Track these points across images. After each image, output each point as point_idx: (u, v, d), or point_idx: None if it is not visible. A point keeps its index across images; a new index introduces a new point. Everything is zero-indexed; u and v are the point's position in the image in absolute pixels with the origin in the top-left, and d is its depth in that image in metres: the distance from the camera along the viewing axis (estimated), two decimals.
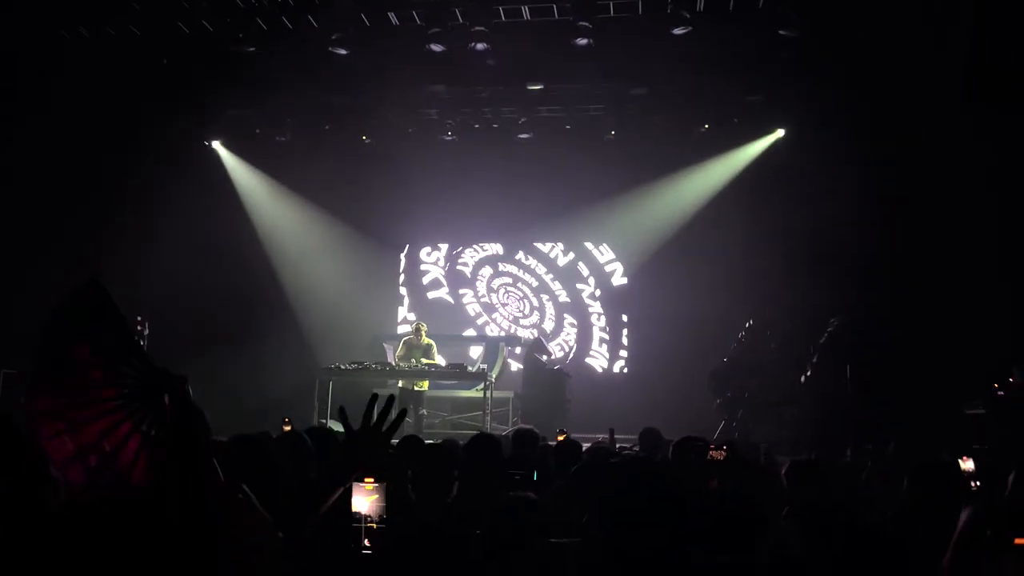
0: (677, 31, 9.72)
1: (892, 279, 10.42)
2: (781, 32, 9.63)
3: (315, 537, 1.72)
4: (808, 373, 9.83)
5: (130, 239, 11.12)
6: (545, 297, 14.14)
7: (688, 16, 9.63)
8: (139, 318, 11.42)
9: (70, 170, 10.99)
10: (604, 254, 14.10)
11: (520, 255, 14.30)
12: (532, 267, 14.24)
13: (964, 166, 9.58)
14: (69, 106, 10.57)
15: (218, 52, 10.50)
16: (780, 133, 12.29)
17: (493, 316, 14.19)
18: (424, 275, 14.48)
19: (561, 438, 5.59)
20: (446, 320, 13.95)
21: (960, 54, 7.86)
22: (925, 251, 10.20)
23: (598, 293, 14.03)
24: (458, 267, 14.44)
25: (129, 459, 1.55)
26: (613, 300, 13.97)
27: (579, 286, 14.08)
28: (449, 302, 14.35)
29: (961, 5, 7.61)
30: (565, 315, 14.06)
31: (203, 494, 1.41)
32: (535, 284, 14.22)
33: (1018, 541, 2.02)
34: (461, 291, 14.36)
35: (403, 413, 1.82)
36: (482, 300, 14.29)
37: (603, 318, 13.96)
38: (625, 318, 13.87)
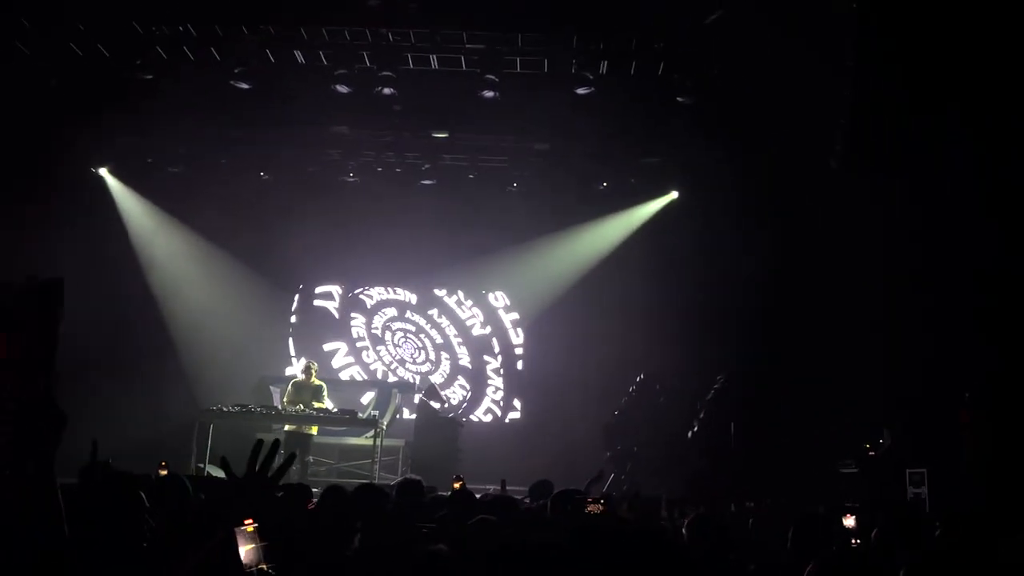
0: (580, 91, 10.06)
1: (775, 339, 10.87)
2: (678, 99, 10.09)
3: None
4: (695, 428, 10.09)
5: (9, 262, 10.44)
6: (445, 355, 14.00)
7: (591, 77, 9.99)
8: None
9: None
10: (501, 302, 14.16)
11: (433, 311, 14.14)
12: (431, 315, 14.13)
13: (847, 227, 10.15)
14: None
15: (113, 77, 10.14)
16: (674, 195, 12.75)
17: (378, 350, 13.89)
18: (316, 316, 14.13)
19: (457, 486, 5.49)
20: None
21: (841, 124, 8.47)
22: (806, 312, 10.70)
23: (495, 343, 14.04)
24: (360, 298, 14.13)
25: None
26: (509, 349, 14.01)
27: (476, 336, 14.04)
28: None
29: (842, 81, 8.20)
30: (459, 375, 13.95)
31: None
32: (439, 340, 14.04)
33: None
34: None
35: (291, 458, 1.75)
36: (372, 332, 13.98)
37: (498, 367, 13.96)
38: (520, 366, 13.91)
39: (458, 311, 14.20)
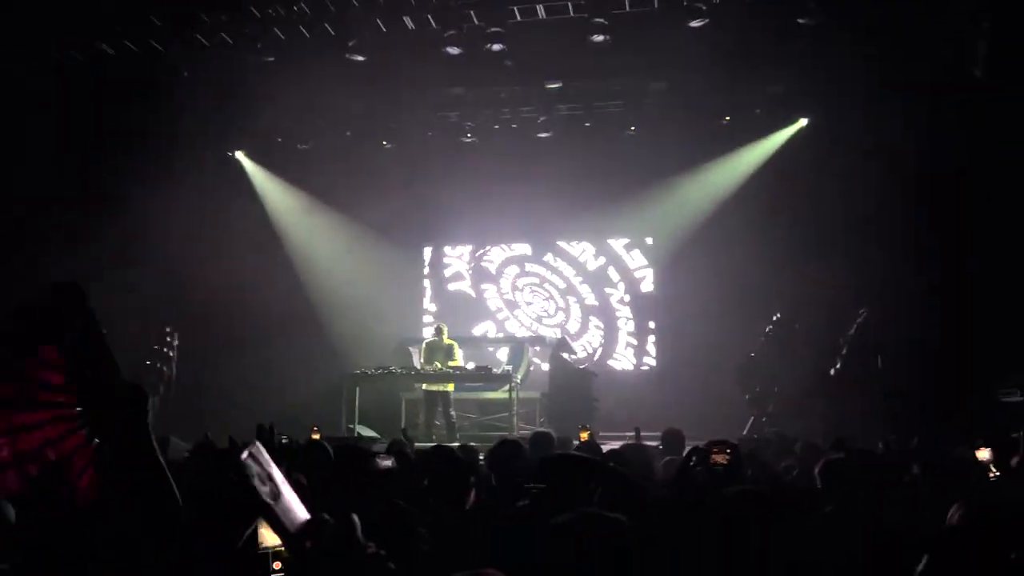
0: (694, 24, 9.65)
1: (919, 265, 10.22)
2: (800, 20, 9.51)
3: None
4: (838, 365, 9.68)
5: (158, 250, 11.28)
6: (572, 299, 14.11)
7: (704, 8, 9.55)
8: (168, 328, 11.57)
9: (97, 182, 11.17)
10: (628, 250, 14.02)
11: (548, 256, 14.28)
12: (559, 268, 14.21)
13: (995, 143, 9.35)
14: (93, 119, 10.78)
15: (238, 63, 10.62)
16: (803, 122, 12.12)
17: (516, 314, 14.19)
18: (447, 275, 14.52)
19: (584, 436, 5.53)
20: (469, 319, 14.03)
21: (983, 28, 7.73)
22: (954, 235, 10.00)
23: (624, 290, 13.96)
24: (482, 266, 14.46)
25: (76, 473, 1.49)
26: (638, 297, 13.90)
27: (606, 288, 14.01)
28: (472, 298, 14.37)
29: None
30: (591, 316, 14.01)
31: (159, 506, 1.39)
32: (562, 285, 14.18)
33: None
34: (484, 288, 14.37)
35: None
36: (505, 298, 14.29)
37: (629, 315, 13.89)
38: (652, 315, 13.78)
39: (585, 262, 14.17)
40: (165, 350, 11.52)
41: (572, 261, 14.21)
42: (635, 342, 13.79)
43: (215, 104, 11.31)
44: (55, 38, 10.27)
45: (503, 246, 14.41)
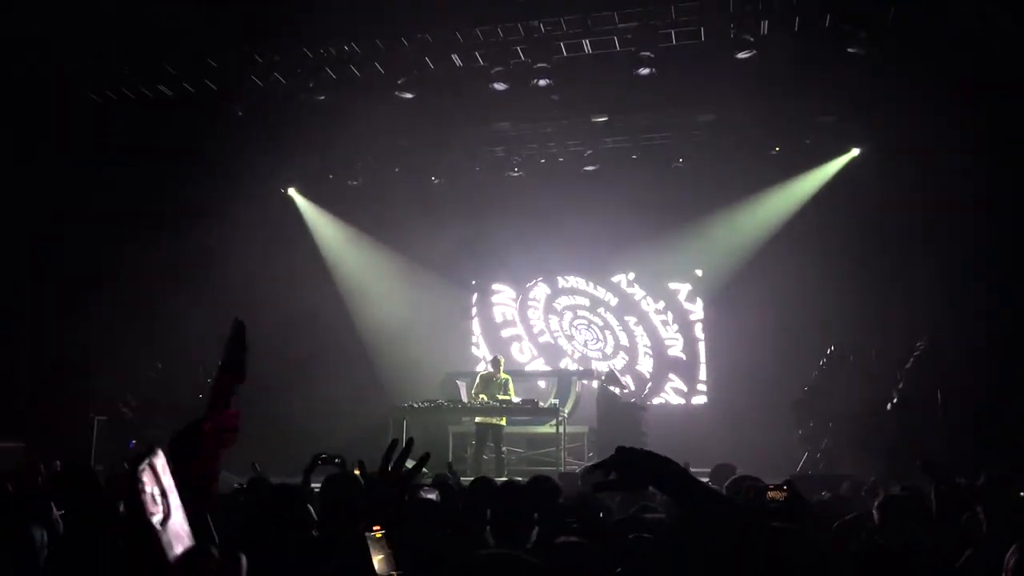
0: (741, 55, 9.62)
1: (977, 294, 9.91)
2: (850, 50, 9.41)
3: None
4: (895, 400, 9.38)
5: (212, 283, 11.52)
6: (620, 332, 14.01)
7: (752, 40, 9.53)
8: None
9: (151, 220, 11.50)
10: (677, 283, 13.90)
11: (595, 289, 14.23)
12: (607, 301, 14.15)
13: None
14: (150, 157, 11.16)
15: (291, 102, 10.89)
16: (855, 152, 11.94)
17: (563, 347, 14.13)
18: (495, 308, 14.55)
19: None
20: (516, 352, 14.02)
21: None
22: (1013, 263, 9.69)
23: (673, 323, 13.81)
24: (530, 299, 14.47)
25: None
26: (688, 330, 13.73)
27: (655, 322, 13.89)
28: (519, 331, 14.37)
29: None
30: (639, 349, 13.88)
31: None
32: (610, 319, 14.10)
33: None
34: (531, 322, 14.36)
35: (424, 458, 1.70)
36: (553, 331, 14.25)
37: (679, 349, 13.72)
38: (702, 348, 13.59)
39: (634, 295, 14.09)
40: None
41: (620, 294, 14.13)
42: (685, 376, 13.60)
43: (269, 142, 11.61)
44: (114, 79, 10.68)
45: (551, 279, 14.41)
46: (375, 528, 1.62)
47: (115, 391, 11.13)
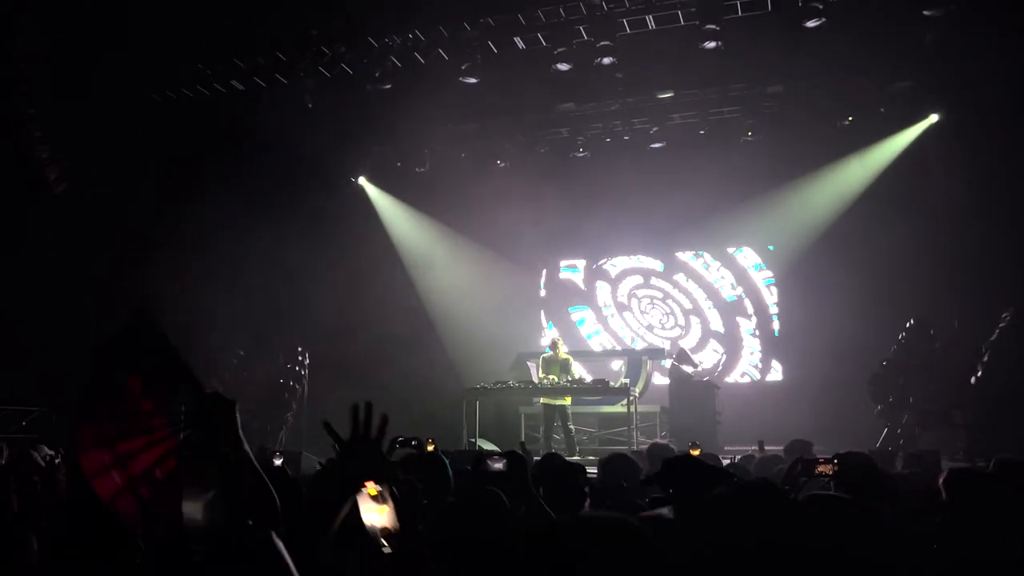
0: (810, 23, 9.37)
1: None
2: (925, 12, 9.07)
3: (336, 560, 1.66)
4: (979, 373, 9.07)
5: (286, 272, 11.87)
6: (691, 309, 13.90)
7: (821, 7, 9.26)
8: (299, 348, 12.15)
9: (223, 213, 11.88)
10: (750, 259, 13.69)
11: (666, 266, 14.14)
12: (677, 280, 14.05)
13: None
14: (222, 149, 11.53)
15: (358, 92, 11.09)
16: (933, 119, 11.51)
17: (634, 327, 14.09)
18: (563, 289, 14.60)
19: (695, 453, 5.43)
20: (586, 332, 14.11)
21: None
22: None
23: (746, 298, 13.63)
24: (598, 280, 14.46)
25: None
26: (761, 305, 13.53)
27: (727, 297, 13.73)
28: (588, 312, 14.40)
29: None
30: (712, 326, 13.75)
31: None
32: (681, 297, 14.00)
33: None
34: (601, 302, 14.37)
35: (384, 417, 1.71)
36: (623, 310, 14.23)
37: (752, 324, 13.54)
38: (776, 324, 13.38)
39: (705, 273, 13.95)
40: (297, 369, 12.10)
41: (689, 271, 14.01)
42: (759, 352, 13.42)
43: (338, 132, 11.85)
44: (187, 76, 11.07)
45: (620, 258, 14.38)
46: (366, 484, 1.66)
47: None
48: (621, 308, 14.25)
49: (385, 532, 1.68)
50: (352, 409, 1.73)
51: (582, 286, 14.55)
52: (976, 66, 9.89)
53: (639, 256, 14.29)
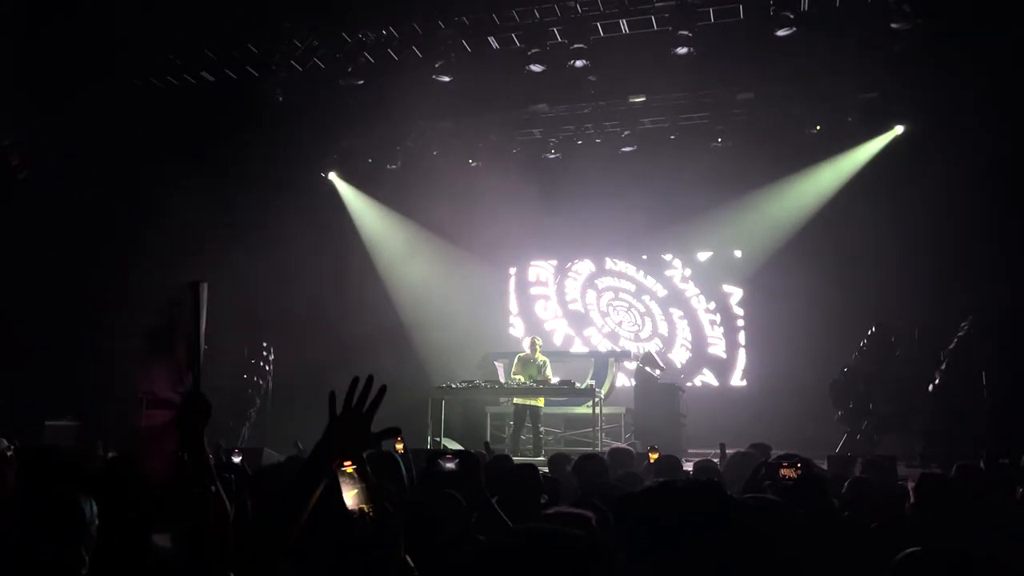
0: (781, 33, 9.50)
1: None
2: (893, 26, 9.23)
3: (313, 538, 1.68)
4: (937, 381, 9.26)
5: (253, 267, 11.74)
6: (657, 313, 14.00)
7: (792, 17, 9.40)
8: (264, 343, 12.03)
9: (191, 203, 11.73)
10: (716, 263, 13.82)
11: (633, 271, 14.23)
12: (645, 284, 14.14)
13: None
14: (191, 142, 11.38)
15: (330, 87, 11.01)
16: (899, 130, 11.72)
17: (600, 329, 14.16)
18: (532, 290, 14.63)
19: (653, 457, 5.48)
20: (553, 333, 14.13)
21: None
22: None
23: (711, 304, 13.76)
24: (567, 281, 14.51)
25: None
26: (727, 310, 13.67)
27: (693, 303, 13.85)
28: (556, 313, 14.44)
29: None
30: (677, 330, 13.86)
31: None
32: (647, 300, 14.09)
33: None
34: (569, 303, 14.42)
35: (383, 389, 1.71)
36: (590, 313, 14.29)
37: (717, 330, 13.67)
38: (741, 328, 13.53)
39: (672, 276, 14.05)
40: (262, 364, 11.99)
41: (658, 275, 14.11)
42: (723, 357, 13.56)
43: (309, 127, 11.74)
44: (159, 66, 10.90)
45: (588, 261, 14.44)
46: (345, 464, 1.66)
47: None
48: (588, 309, 14.32)
49: (360, 512, 1.67)
50: (352, 381, 1.73)
51: (551, 286, 14.58)
52: (940, 79, 10.07)
53: (608, 258, 14.36)
